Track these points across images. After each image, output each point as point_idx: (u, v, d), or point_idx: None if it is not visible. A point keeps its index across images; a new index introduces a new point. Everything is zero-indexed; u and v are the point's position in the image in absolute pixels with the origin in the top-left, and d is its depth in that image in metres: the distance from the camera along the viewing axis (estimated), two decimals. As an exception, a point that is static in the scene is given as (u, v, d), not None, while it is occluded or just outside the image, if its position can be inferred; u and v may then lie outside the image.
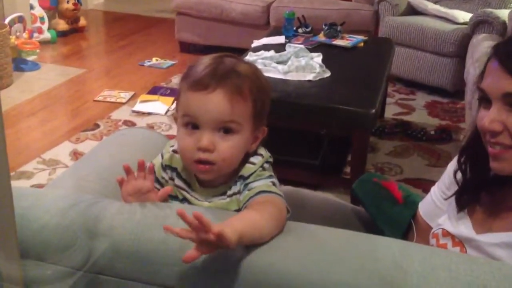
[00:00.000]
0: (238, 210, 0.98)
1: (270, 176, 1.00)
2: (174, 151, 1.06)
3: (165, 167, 1.06)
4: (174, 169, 1.05)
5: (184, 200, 1.04)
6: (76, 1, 5.15)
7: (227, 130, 0.96)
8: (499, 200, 1.03)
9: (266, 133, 1.04)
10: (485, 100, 0.96)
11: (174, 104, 1.05)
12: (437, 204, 1.20)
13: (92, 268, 0.84)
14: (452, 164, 1.16)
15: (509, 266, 0.83)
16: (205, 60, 0.99)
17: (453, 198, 1.10)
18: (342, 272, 0.78)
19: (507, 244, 0.95)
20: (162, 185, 1.06)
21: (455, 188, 1.11)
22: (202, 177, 1.01)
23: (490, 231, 1.01)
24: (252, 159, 1.01)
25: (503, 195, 1.02)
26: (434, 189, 1.23)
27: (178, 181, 1.05)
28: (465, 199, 1.07)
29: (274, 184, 0.98)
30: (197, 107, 0.95)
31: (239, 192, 0.99)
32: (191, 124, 0.97)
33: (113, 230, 0.86)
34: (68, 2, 5.09)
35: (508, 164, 0.94)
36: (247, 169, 1.00)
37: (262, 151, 1.04)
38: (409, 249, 0.82)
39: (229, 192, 1.01)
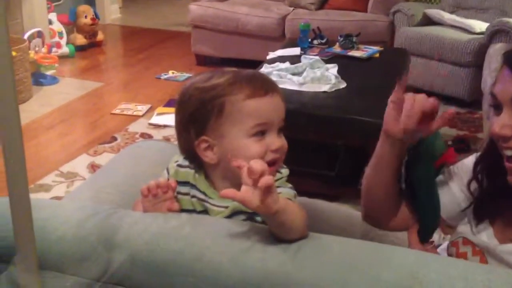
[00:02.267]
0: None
1: (292, 188, 1.01)
2: (179, 166, 1.06)
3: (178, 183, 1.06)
4: (185, 183, 1.05)
5: (203, 212, 1.04)
6: (94, 16, 5.23)
7: (280, 130, 1.02)
8: None
9: None
10: (497, 107, 0.96)
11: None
12: (457, 197, 1.15)
13: (110, 279, 0.85)
14: (470, 161, 1.12)
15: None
16: (241, 73, 1.03)
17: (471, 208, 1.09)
18: (358, 282, 0.78)
19: None
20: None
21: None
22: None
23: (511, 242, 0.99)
24: (280, 169, 1.04)
25: None
26: (454, 188, 1.17)
27: (195, 192, 1.04)
28: (484, 210, 1.05)
29: (295, 197, 1.00)
30: (271, 109, 1.00)
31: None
32: (261, 131, 0.99)
33: (130, 241, 0.87)
34: (86, 17, 5.17)
35: None
36: (276, 176, 1.01)
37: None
38: (425, 259, 0.82)
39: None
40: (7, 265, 0.87)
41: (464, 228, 1.10)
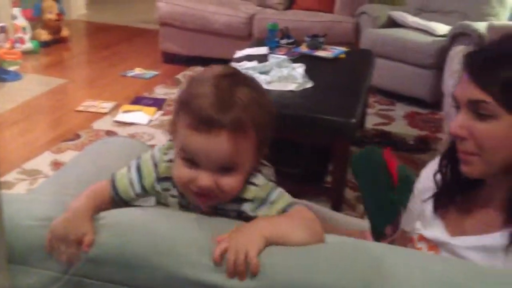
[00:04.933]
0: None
1: (277, 186, 0.97)
2: (171, 161, 0.99)
3: (162, 179, 1.00)
4: (167, 178, 1.00)
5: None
6: (59, 12, 5.15)
7: (227, 169, 0.91)
8: (471, 203, 1.06)
9: (267, 151, 0.99)
10: (458, 108, 1.00)
11: (166, 116, 0.99)
12: (411, 210, 1.23)
13: (76, 271, 0.85)
14: (426, 171, 1.20)
15: (481, 266, 0.85)
16: (206, 90, 0.89)
17: (427, 203, 1.13)
18: (324, 274, 0.80)
19: (479, 247, 0.99)
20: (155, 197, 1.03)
21: (430, 193, 1.14)
22: (201, 206, 0.96)
23: (464, 234, 1.04)
24: (253, 179, 0.96)
25: (474, 198, 1.06)
26: (409, 202, 1.26)
27: (174, 191, 1.00)
28: (443, 200, 1.10)
29: (284, 192, 0.97)
30: (199, 149, 0.89)
31: (247, 211, 0.96)
32: (190, 160, 0.91)
33: (99, 234, 0.87)
34: (51, 12, 5.09)
35: (475, 168, 0.98)
36: (251, 192, 0.95)
37: (261, 167, 0.99)
38: (389, 252, 0.85)
39: (231, 214, 0.97)
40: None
41: (419, 225, 1.15)
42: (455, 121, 0.98)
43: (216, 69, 0.95)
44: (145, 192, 1.02)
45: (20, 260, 0.85)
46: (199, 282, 0.82)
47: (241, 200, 0.95)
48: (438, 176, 1.11)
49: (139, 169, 1.01)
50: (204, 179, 0.90)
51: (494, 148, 0.94)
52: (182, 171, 0.92)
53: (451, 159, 1.07)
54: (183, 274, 0.83)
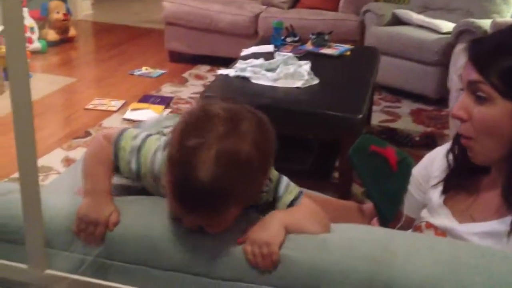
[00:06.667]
0: None
1: (281, 178, 1.00)
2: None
3: (157, 176, 0.98)
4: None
5: None
6: (66, 12, 5.21)
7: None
8: (477, 190, 1.10)
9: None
10: (462, 90, 1.04)
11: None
12: (416, 198, 1.27)
13: (101, 253, 0.89)
14: (430, 158, 1.24)
15: (486, 246, 0.89)
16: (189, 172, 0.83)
17: (434, 192, 1.17)
18: (335, 254, 0.85)
19: (484, 233, 1.02)
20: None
21: (432, 180, 1.18)
22: None
23: (471, 221, 1.07)
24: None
25: (480, 185, 1.10)
26: (410, 186, 1.29)
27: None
28: (453, 181, 1.14)
29: (288, 182, 1.00)
30: (180, 214, 0.90)
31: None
32: None
33: (124, 215, 0.92)
34: (58, 12, 5.14)
35: (475, 154, 1.03)
36: (260, 199, 0.97)
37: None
38: (395, 234, 0.89)
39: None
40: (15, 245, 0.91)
41: (426, 213, 1.19)
42: (458, 103, 1.02)
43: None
44: (139, 179, 1.00)
45: (48, 244, 0.89)
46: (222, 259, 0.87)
47: (251, 206, 0.96)
48: (450, 156, 1.14)
49: (138, 155, 0.98)
50: (189, 223, 0.89)
51: (488, 131, 0.98)
52: (171, 206, 0.91)
53: (459, 144, 1.10)
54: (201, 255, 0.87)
